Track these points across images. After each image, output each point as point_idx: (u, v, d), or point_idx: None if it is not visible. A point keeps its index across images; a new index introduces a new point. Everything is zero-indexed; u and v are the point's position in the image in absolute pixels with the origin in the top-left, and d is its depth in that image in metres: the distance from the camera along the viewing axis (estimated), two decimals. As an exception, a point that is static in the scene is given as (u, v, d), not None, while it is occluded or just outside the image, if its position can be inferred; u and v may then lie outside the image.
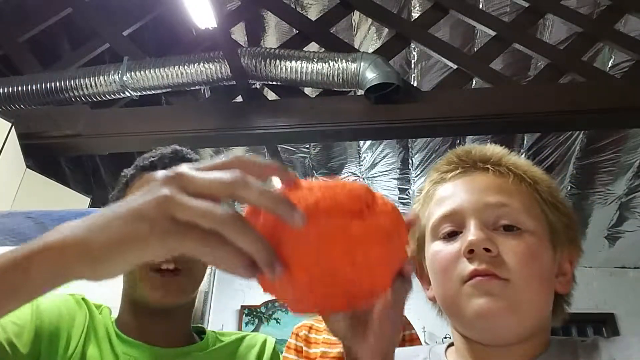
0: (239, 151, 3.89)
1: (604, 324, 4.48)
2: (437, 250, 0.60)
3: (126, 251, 0.35)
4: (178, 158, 0.77)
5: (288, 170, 0.41)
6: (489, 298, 0.54)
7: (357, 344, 0.48)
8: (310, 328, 1.87)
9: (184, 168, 0.36)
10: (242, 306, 4.93)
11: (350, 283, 0.40)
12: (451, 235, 0.59)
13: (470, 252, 0.56)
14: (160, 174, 0.36)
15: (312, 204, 0.40)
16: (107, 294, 0.82)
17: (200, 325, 0.85)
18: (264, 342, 0.82)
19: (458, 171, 0.63)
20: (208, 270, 0.80)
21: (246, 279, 0.37)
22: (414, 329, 1.77)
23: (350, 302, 0.43)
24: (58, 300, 0.72)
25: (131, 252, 0.35)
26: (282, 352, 1.78)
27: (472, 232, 0.56)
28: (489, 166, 0.62)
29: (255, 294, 5.06)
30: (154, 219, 0.34)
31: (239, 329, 4.83)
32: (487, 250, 0.55)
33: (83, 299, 0.75)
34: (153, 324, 0.74)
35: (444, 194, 0.63)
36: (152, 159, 0.78)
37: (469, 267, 0.56)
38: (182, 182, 0.35)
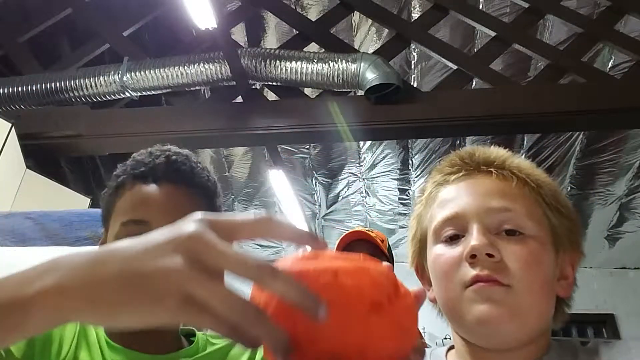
0: (238, 150, 3.89)
1: (604, 325, 4.48)
2: (439, 253, 0.60)
3: (130, 314, 0.32)
4: (172, 170, 0.72)
5: (318, 240, 0.41)
6: (491, 304, 0.54)
7: None
8: None
9: (207, 233, 0.32)
10: (242, 307, 4.93)
11: None
12: (453, 239, 0.59)
13: (473, 257, 0.55)
14: (180, 230, 0.32)
15: (333, 291, 0.40)
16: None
17: (190, 327, 0.82)
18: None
19: (461, 174, 0.62)
20: None
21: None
22: (423, 338, 1.76)
23: None
24: None
25: (136, 315, 0.32)
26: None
27: (474, 237, 0.56)
28: (492, 169, 0.61)
29: (255, 294, 5.07)
30: (166, 295, 0.31)
31: (239, 329, 4.83)
32: (489, 255, 0.55)
33: None
34: (142, 332, 0.72)
35: (447, 197, 0.62)
36: (144, 168, 0.72)
37: (471, 272, 0.55)
38: (203, 253, 0.32)
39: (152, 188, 0.70)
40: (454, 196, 0.61)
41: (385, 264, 0.46)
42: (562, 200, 0.62)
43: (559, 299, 0.60)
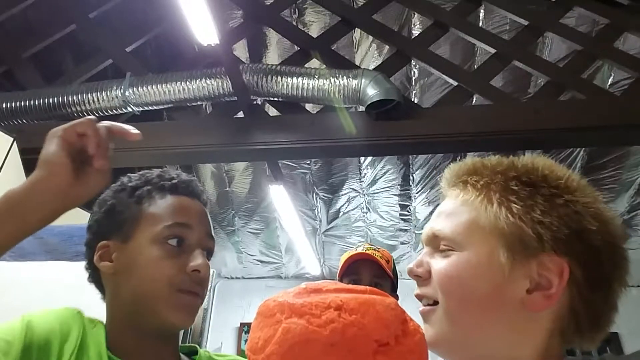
0: (239, 166, 3.89)
1: (608, 344, 4.43)
2: None
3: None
4: (193, 186, 0.82)
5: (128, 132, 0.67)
6: (427, 326, 0.57)
7: None
8: None
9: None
10: (241, 323, 4.89)
11: None
12: None
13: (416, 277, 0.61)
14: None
15: (339, 330, 0.39)
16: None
17: (193, 345, 0.84)
18: None
19: (444, 190, 0.65)
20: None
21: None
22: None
23: None
24: (52, 315, 0.70)
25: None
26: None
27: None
28: (456, 184, 0.62)
29: (254, 311, 5.02)
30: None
31: (238, 346, 4.78)
32: (417, 276, 0.59)
33: (79, 312, 0.73)
34: (149, 347, 0.73)
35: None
36: (174, 181, 0.80)
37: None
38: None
39: (186, 199, 0.79)
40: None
41: (394, 305, 0.44)
42: (538, 200, 0.55)
43: (568, 313, 0.54)
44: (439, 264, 0.57)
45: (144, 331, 0.72)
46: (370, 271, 1.43)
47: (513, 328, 0.53)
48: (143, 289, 0.71)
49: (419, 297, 0.59)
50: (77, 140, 0.63)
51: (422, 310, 0.58)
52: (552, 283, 0.53)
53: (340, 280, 1.46)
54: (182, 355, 0.79)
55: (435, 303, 0.56)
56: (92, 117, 0.65)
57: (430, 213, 4.05)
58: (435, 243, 0.59)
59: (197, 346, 0.83)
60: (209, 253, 0.78)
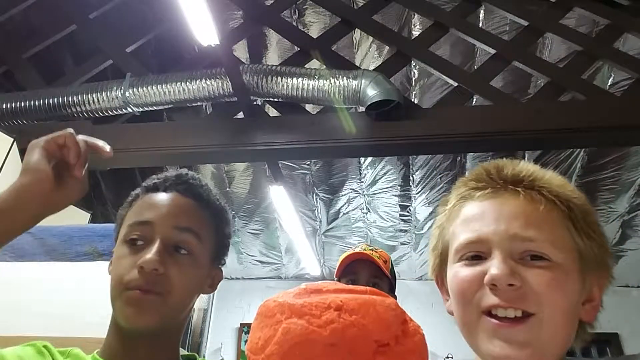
0: (239, 166, 3.90)
1: (608, 344, 4.43)
2: (458, 272, 0.58)
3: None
4: (180, 182, 0.78)
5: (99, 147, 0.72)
6: (511, 346, 0.53)
7: None
8: None
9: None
10: (241, 324, 4.89)
11: None
12: (475, 258, 0.57)
13: (494, 285, 0.54)
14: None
15: (339, 330, 0.39)
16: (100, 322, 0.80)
17: (192, 353, 0.82)
18: None
19: (487, 191, 0.60)
20: None
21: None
22: None
23: None
24: (19, 350, 0.69)
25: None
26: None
27: (496, 265, 0.54)
28: (520, 189, 0.58)
29: (254, 311, 5.02)
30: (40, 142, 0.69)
31: (238, 346, 4.79)
32: (510, 284, 0.54)
33: (45, 346, 0.72)
34: (137, 349, 0.72)
35: (470, 215, 0.60)
36: (156, 181, 0.79)
37: (490, 298, 0.54)
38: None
39: (160, 195, 0.77)
40: (477, 216, 0.59)
41: (395, 306, 0.43)
42: (593, 223, 0.60)
43: (582, 321, 0.59)
44: (541, 275, 0.54)
45: (124, 331, 0.72)
46: (368, 271, 1.43)
47: (569, 335, 0.58)
48: (110, 290, 0.73)
49: (496, 307, 0.54)
50: (57, 151, 0.68)
51: (503, 327, 0.53)
52: (596, 296, 0.59)
53: (338, 280, 1.45)
54: None
55: (525, 315, 0.54)
56: (70, 129, 0.72)
57: (431, 214, 4.06)
58: (520, 248, 0.56)
59: (196, 354, 0.82)
60: (178, 247, 0.73)
